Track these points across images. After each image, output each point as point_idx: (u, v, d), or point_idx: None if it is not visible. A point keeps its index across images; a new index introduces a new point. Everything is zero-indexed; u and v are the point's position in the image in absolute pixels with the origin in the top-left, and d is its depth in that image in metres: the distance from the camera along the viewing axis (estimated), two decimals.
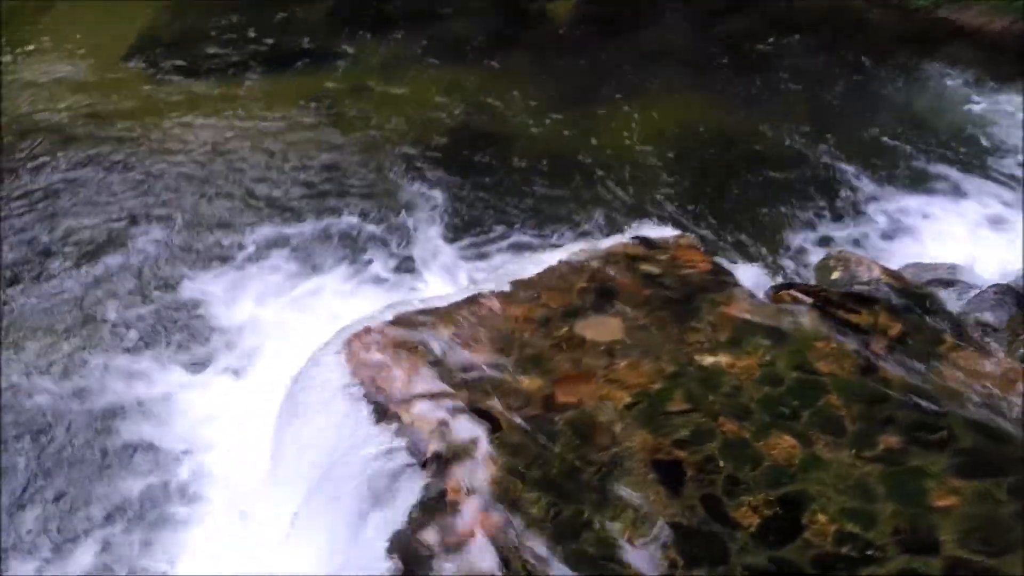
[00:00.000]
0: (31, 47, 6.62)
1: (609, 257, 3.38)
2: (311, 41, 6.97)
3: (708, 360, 2.86)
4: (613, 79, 6.66)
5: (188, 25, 7.13)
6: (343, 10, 7.60)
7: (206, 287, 4.29)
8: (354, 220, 4.83)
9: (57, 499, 3.22)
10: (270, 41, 6.91)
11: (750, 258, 4.32)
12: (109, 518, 3.15)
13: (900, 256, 4.25)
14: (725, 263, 3.46)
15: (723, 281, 3.22)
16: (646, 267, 3.32)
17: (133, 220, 4.79)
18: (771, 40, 7.26)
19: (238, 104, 6.00)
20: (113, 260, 4.48)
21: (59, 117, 5.72)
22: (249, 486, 3.19)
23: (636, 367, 2.84)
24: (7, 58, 6.43)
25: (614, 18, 7.58)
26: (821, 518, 2.33)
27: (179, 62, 6.51)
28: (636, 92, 6.38)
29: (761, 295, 3.18)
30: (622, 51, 7.19)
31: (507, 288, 3.25)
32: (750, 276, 3.36)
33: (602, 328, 3.01)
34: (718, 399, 2.71)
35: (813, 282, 3.63)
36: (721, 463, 2.51)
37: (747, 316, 3.01)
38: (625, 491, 2.41)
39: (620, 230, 4.36)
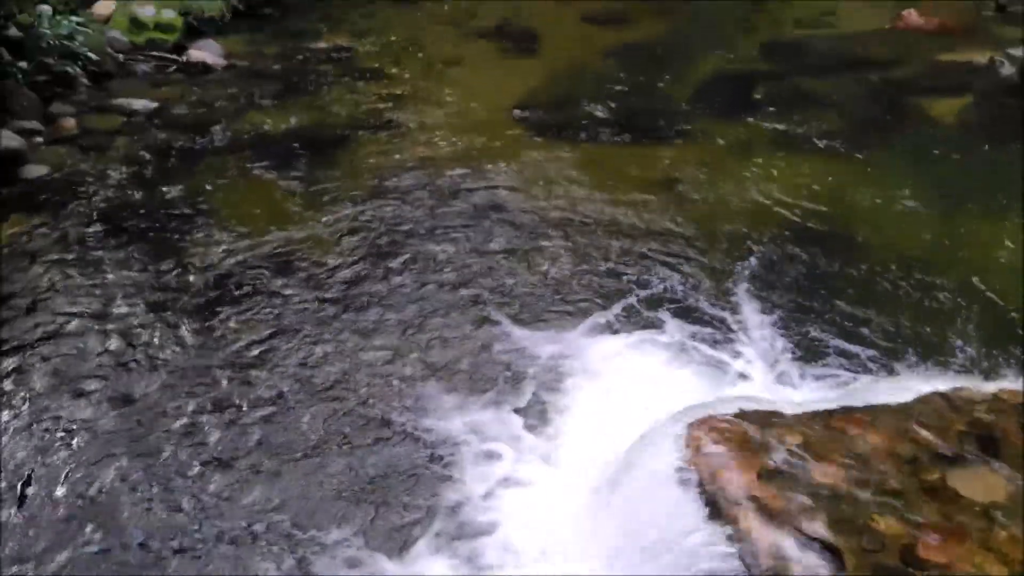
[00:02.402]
0: (436, 95, 7.77)
1: (995, 402, 2.97)
2: (670, 116, 7.21)
3: None
4: (1000, 190, 5.91)
5: (566, 89, 7.82)
6: (708, 90, 7.80)
7: (537, 346, 4.43)
8: (681, 302, 4.75)
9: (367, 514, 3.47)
10: (631, 112, 7.30)
11: None
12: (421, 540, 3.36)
13: None
14: None
15: None
16: None
17: (467, 265, 5.18)
18: None
19: (588, 166, 6.35)
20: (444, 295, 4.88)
21: (452, 157, 6.54)
22: (557, 547, 3.28)
23: (1021, 540, 2.44)
24: (418, 105, 7.61)
25: (1012, 123, 6.75)
26: None
27: (549, 121, 7.15)
28: None
29: None
30: (1015, 160, 6.38)
31: (865, 411, 3.02)
32: None
33: (980, 483, 2.64)
34: None
35: None
36: None
37: None
38: None
39: (1000, 371, 3.85)
